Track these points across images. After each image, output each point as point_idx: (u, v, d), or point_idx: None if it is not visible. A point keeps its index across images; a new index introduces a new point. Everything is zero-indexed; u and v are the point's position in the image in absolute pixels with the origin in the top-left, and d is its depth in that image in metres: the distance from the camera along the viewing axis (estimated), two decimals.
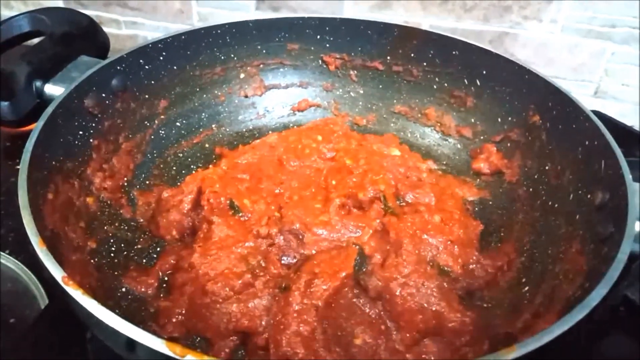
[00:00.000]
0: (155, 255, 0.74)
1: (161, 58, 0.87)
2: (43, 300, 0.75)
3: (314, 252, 0.69)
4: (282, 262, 0.68)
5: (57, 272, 0.48)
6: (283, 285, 0.64)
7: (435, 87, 0.95)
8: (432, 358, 0.61)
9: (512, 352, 0.44)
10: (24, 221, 0.53)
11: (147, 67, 0.85)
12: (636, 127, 1.21)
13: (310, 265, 0.65)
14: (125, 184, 0.81)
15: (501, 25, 1.26)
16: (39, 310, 0.74)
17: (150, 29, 1.46)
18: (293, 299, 0.61)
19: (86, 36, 0.86)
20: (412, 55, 0.94)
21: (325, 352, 0.58)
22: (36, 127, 0.66)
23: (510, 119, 0.86)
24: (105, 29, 0.95)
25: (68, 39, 0.83)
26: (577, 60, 1.29)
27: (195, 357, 0.41)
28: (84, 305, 0.45)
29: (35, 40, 0.86)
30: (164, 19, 1.43)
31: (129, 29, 1.49)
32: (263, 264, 0.68)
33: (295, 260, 0.69)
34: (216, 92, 0.97)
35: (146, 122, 0.87)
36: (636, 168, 0.66)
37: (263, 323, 0.62)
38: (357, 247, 0.69)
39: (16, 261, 0.79)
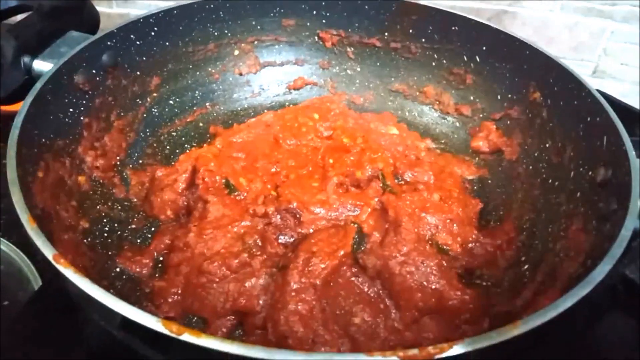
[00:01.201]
0: (149, 235, 0.73)
1: (153, 34, 0.84)
2: (36, 282, 0.74)
3: (311, 230, 0.68)
4: (279, 241, 0.67)
5: (47, 251, 0.47)
6: (280, 264, 0.63)
7: (434, 64, 0.93)
8: (432, 336, 0.60)
9: (516, 328, 0.43)
10: (14, 199, 0.52)
11: (138, 42, 0.83)
12: (636, 107, 1.20)
13: (308, 244, 0.64)
14: (118, 163, 0.79)
15: (500, 3, 1.25)
16: (32, 292, 0.73)
17: (142, 7, 1.43)
18: (291, 278, 0.60)
19: (75, 11, 0.83)
20: (411, 31, 0.92)
21: (324, 330, 0.57)
22: (24, 103, 0.63)
23: (510, 96, 0.85)
24: (97, 8, 0.92)
25: (57, 14, 0.80)
26: (576, 39, 1.27)
27: (193, 335, 0.40)
28: (77, 284, 0.44)
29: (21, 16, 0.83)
30: None
31: (121, 7, 1.46)
32: (260, 243, 0.66)
33: (292, 239, 0.68)
34: (210, 69, 0.94)
35: (138, 100, 0.85)
36: (637, 147, 0.65)
37: (261, 302, 0.61)
38: (356, 225, 0.68)
39: (8, 243, 0.78)
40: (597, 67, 1.33)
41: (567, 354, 0.66)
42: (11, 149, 0.57)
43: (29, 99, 0.64)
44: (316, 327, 0.57)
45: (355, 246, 0.67)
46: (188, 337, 0.40)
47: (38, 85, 0.66)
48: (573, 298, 0.46)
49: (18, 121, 0.61)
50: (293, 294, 0.59)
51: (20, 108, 0.63)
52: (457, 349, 0.41)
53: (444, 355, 0.41)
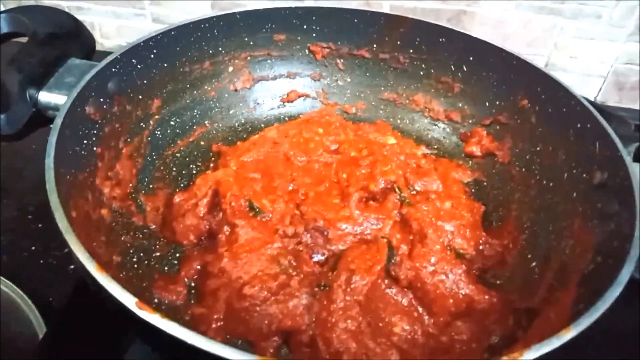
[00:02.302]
0: (175, 262, 0.73)
1: (152, 56, 0.84)
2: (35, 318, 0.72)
3: (341, 247, 0.71)
4: (314, 259, 0.70)
5: (128, 300, 0.47)
6: (322, 284, 0.66)
7: (422, 73, 0.98)
8: (465, 337, 0.65)
9: (569, 333, 0.49)
10: (74, 248, 0.51)
11: (139, 66, 0.82)
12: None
13: (346, 262, 0.67)
14: (132, 190, 0.79)
15: (459, 3, 1.30)
16: (31, 327, 0.71)
17: (97, 14, 1.39)
18: (336, 297, 0.63)
19: (70, 36, 0.81)
20: (399, 42, 0.96)
21: (374, 344, 0.61)
22: (50, 142, 0.62)
23: (498, 103, 0.91)
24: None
25: (53, 40, 0.78)
26: (530, 35, 1.35)
27: None
28: (166, 330, 0.45)
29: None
30: (112, 3, 1.36)
31: (74, 14, 1.40)
32: (294, 263, 0.69)
33: (324, 257, 0.71)
34: (206, 87, 0.95)
35: (142, 124, 0.84)
36: None
37: (306, 321, 0.64)
38: (386, 240, 0.72)
39: (5, 280, 0.75)
40: (548, 60, 1.42)
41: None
42: (52, 194, 0.56)
43: (53, 138, 0.63)
44: (367, 342, 0.61)
45: (386, 260, 0.70)
46: None
47: (58, 122, 0.65)
48: (610, 298, 0.52)
49: (49, 162, 0.60)
50: (340, 312, 0.62)
51: (47, 149, 0.61)
52: None
53: None
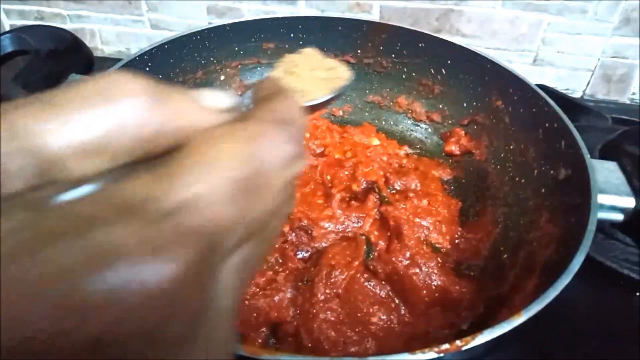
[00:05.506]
0: None
1: (147, 69, 0.89)
2: None
3: (323, 244, 0.77)
4: (298, 256, 0.76)
5: None
6: (305, 279, 0.72)
7: (404, 76, 1.03)
8: (438, 324, 0.71)
9: (520, 318, 0.54)
10: None
11: None
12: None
13: (327, 259, 0.73)
14: None
15: (447, 3, 1.35)
16: None
17: (96, 21, 1.45)
18: (317, 290, 0.69)
19: (71, 52, 0.87)
20: (381, 48, 1.02)
21: (352, 332, 0.67)
22: None
23: (475, 103, 0.96)
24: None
25: (54, 57, 0.84)
26: (517, 31, 1.40)
27: (270, 355, 0.49)
28: None
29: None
30: (110, 10, 1.42)
31: (74, 22, 1.46)
32: (280, 260, 0.75)
33: (308, 254, 0.77)
34: None
35: None
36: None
37: (290, 313, 0.70)
38: (364, 237, 0.78)
39: None
40: (536, 56, 1.46)
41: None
42: None
43: None
44: (345, 330, 0.67)
45: (365, 255, 0.76)
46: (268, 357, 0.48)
47: None
48: (559, 287, 0.57)
49: None
50: (321, 304, 0.68)
51: None
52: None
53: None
